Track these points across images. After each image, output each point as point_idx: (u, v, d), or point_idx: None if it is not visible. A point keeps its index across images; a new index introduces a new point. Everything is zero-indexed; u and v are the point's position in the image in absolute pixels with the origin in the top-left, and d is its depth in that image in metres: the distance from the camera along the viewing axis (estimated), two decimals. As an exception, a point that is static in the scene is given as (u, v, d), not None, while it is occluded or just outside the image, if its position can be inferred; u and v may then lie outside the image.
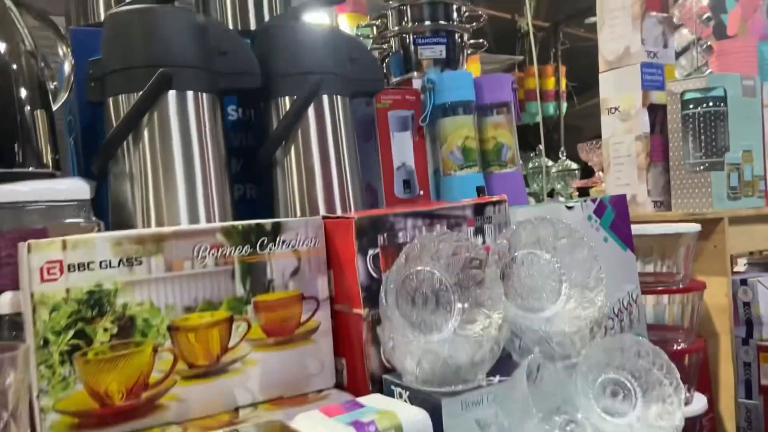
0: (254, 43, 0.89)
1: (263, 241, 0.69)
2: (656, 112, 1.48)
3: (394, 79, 1.21)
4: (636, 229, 0.96)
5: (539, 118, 4.46)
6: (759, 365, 1.22)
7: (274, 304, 0.69)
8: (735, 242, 1.35)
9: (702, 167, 1.37)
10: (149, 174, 0.76)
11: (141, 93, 0.74)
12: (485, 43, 1.23)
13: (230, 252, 0.67)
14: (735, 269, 1.60)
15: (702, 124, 1.37)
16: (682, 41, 1.60)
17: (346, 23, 1.23)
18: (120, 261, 0.59)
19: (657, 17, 1.48)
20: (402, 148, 1.04)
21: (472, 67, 3.76)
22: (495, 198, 0.78)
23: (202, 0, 0.99)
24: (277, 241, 0.70)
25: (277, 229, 0.70)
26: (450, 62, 1.18)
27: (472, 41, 1.21)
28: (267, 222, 0.69)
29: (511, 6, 4.39)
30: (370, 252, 0.69)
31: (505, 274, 0.75)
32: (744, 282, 1.36)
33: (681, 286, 1.01)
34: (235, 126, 0.95)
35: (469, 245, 0.68)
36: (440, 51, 1.15)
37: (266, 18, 0.97)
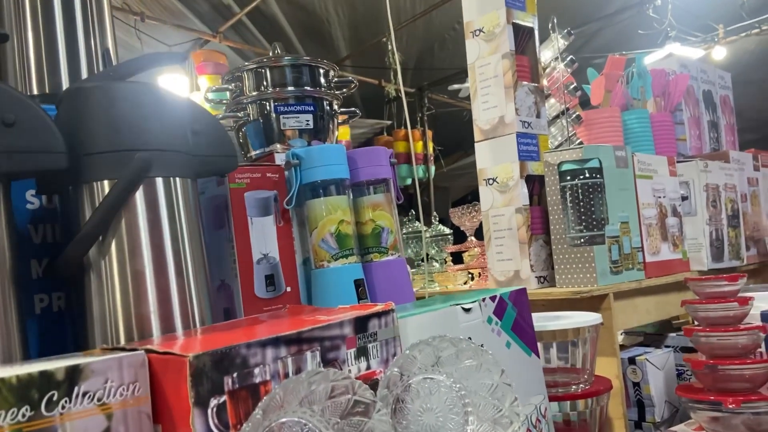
0: (60, 110, 0.68)
1: (52, 397, 0.47)
2: (533, 183, 1.43)
3: (252, 153, 1.03)
4: (537, 323, 0.84)
5: (411, 181, 4.47)
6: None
7: (66, 491, 0.47)
8: (620, 318, 1.30)
9: (583, 240, 1.32)
10: None
11: None
12: (357, 111, 1.10)
13: (-5, 422, 0.45)
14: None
15: (580, 196, 1.32)
16: (551, 111, 1.58)
17: (214, 96, 1.06)
18: None
19: (528, 87, 1.44)
20: (263, 237, 0.87)
21: (341, 131, 3.71)
22: (380, 307, 0.62)
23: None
24: (74, 394, 0.48)
25: (74, 376, 0.48)
26: (318, 133, 1.03)
27: (342, 109, 1.07)
28: (57, 367, 0.48)
29: (377, 72, 4.44)
30: (213, 402, 0.50)
31: (396, 410, 0.58)
32: (632, 361, 1.31)
33: (588, 386, 0.90)
34: (36, 218, 0.72)
35: (352, 384, 0.51)
36: (306, 120, 1.00)
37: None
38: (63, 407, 0.48)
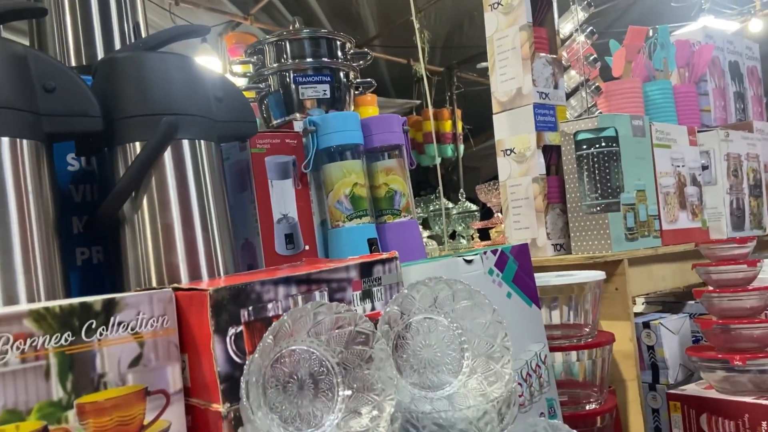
0: (95, 78, 0.75)
1: (91, 325, 0.54)
2: (550, 153, 1.45)
3: (274, 122, 1.10)
4: (540, 279, 0.88)
5: (438, 161, 4.49)
6: (669, 414, 1.17)
7: (105, 405, 0.54)
8: (635, 284, 1.33)
9: (598, 208, 1.35)
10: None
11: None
12: (372, 82, 1.15)
13: (43, 343, 0.52)
14: (634, 310, 1.58)
15: (596, 164, 1.35)
16: (571, 82, 1.60)
17: (240, 69, 1.12)
18: None
19: (546, 58, 1.47)
20: (283, 198, 0.93)
21: (370, 110, 3.75)
22: (384, 255, 0.67)
23: (37, 32, 0.84)
24: (110, 324, 0.55)
25: (110, 307, 0.55)
26: (335, 103, 1.09)
27: (359, 80, 1.12)
28: (95, 300, 0.55)
29: (406, 52, 4.46)
30: (231, 331, 0.56)
31: (398, 345, 0.63)
32: (647, 325, 1.34)
33: (590, 339, 0.94)
34: (77, 178, 0.80)
35: (353, 316, 0.56)
36: (324, 90, 1.06)
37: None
38: (101, 334, 0.55)
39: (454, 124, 4.78)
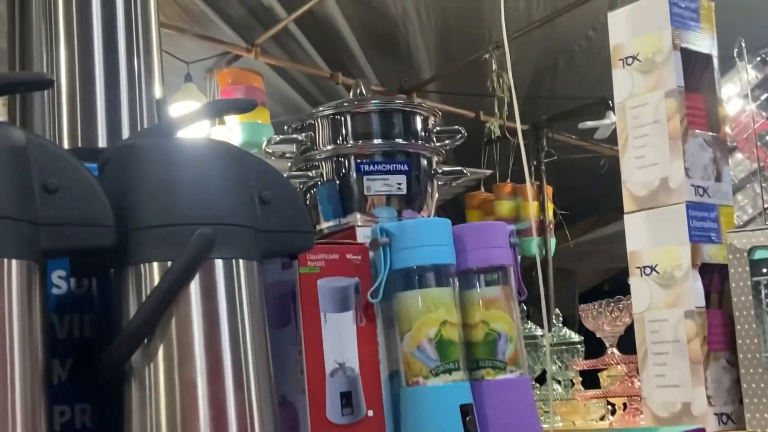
0: (104, 172, 0.81)
1: None
2: (711, 276, 1.48)
3: (324, 225, 1.16)
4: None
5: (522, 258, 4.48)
6: None
7: None
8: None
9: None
10: None
11: None
12: (464, 171, 1.21)
13: None
14: None
15: (783, 298, 1.37)
16: (738, 171, 1.65)
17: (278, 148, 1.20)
18: None
19: (704, 137, 1.52)
20: (340, 340, 0.97)
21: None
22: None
23: (21, 103, 0.91)
24: None
25: None
26: (413, 200, 1.15)
27: (445, 168, 1.19)
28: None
29: (473, 102, 4.60)
30: None
31: None
32: None
33: None
34: (63, 306, 0.85)
35: None
36: (398, 184, 1.12)
37: (126, 134, 0.91)
38: None
39: (542, 207, 4.85)
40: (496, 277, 1.06)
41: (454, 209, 5.78)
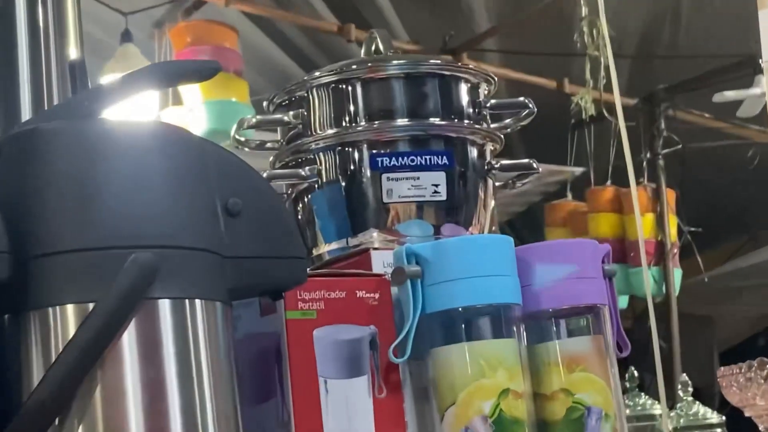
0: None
1: None
2: None
3: (325, 248, 1.16)
4: None
5: (624, 302, 4.51)
6: None
7: None
8: None
9: None
10: None
11: None
12: (533, 165, 1.21)
13: None
14: None
15: None
16: None
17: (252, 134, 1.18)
18: None
19: None
20: (348, 418, 0.96)
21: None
22: None
23: None
24: None
25: None
26: (456, 211, 1.14)
27: (505, 162, 1.19)
28: None
29: (553, 65, 4.57)
30: None
31: None
32: None
33: None
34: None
35: None
36: (434, 186, 1.12)
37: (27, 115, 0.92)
38: None
39: (659, 222, 4.82)
40: (583, 324, 1.06)
41: (527, 225, 5.77)
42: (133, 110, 3.11)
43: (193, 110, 3.51)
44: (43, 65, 0.98)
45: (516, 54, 4.56)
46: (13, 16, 0.97)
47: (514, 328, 1.02)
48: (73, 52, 1.00)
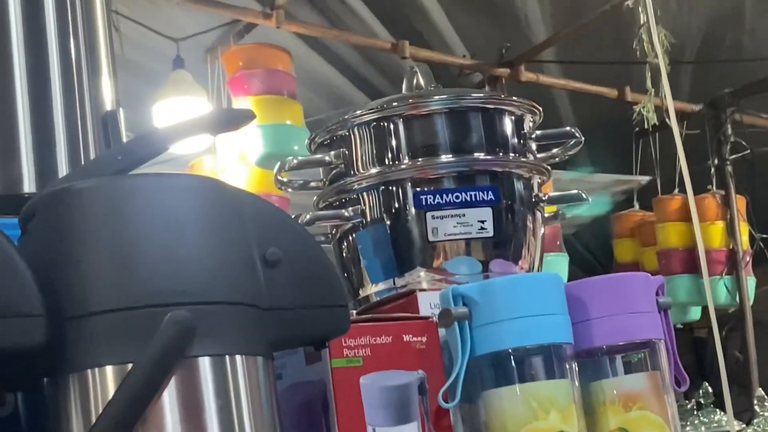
0: (27, 234, 0.83)
1: None
2: None
3: (371, 289, 1.16)
4: None
5: (695, 315, 4.46)
6: None
7: None
8: None
9: None
10: None
11: None
12: (584, 196, 1.20)
13: None
14: None
15: None
16: None
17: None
18: None
19: None
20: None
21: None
22: None
23: None
24: None
25: None
26: (504, 247, 1.14)
27: (553, 194, 1.18)
28: None
29: (613, 73, 4.52)
30: None
31: None
32: None
33: None
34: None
35: None
36: (481, 223, 1.11)
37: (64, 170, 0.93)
38: None
39: (731, 229, 4.75)
40: (639, 360, 1.05)
41: (595, 237, 5.73)
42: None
43: (248, 134, 3.49)
44: (76, 115, 0.98)
45: (575, 64, 4.53)
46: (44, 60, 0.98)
47: (567, 367, 1.02)
48: (108, 99, 1.00)
